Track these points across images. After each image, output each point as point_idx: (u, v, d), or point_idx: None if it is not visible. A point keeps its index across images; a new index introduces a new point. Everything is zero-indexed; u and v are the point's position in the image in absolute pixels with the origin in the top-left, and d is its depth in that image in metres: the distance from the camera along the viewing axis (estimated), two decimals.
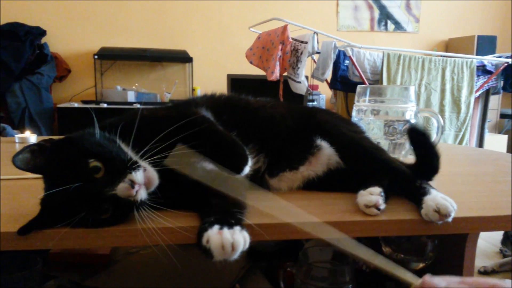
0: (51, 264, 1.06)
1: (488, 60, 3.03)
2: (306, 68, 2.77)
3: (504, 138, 4.20)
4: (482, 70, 2.99)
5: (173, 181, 0.65)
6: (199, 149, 0.66)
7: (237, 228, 0.56)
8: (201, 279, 1.02)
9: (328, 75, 2.87)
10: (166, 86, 4.40)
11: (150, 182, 0.61)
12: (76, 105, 3.79)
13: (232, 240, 0.53)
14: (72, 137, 0.62)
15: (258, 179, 0.79)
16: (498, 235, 2.42)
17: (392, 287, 1.01)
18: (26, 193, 0.78)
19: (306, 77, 2.86)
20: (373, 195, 0.68)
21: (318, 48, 2.78)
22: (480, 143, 3.20)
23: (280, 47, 2.75)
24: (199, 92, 4.35)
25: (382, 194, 0.68)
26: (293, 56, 2.80)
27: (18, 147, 1.37)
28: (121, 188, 0.57)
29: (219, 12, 4.50)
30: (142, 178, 0.60)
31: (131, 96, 4.09)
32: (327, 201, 0.74)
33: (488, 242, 2.49)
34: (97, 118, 0.66)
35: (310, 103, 3.93)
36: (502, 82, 3.09)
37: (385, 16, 4.90)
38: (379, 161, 0.78)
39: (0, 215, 0.63)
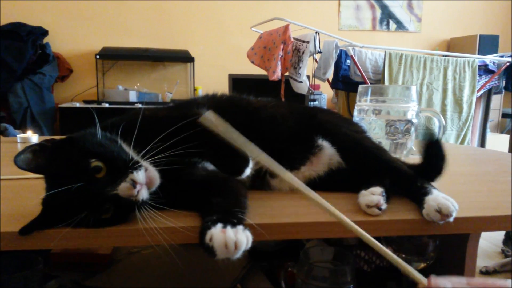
0: (52, 264, 1.06)
1: (490, 59, 3.02)
2: (307, 67, 2.77)
3: (506, 137, 4.19)
4: (484, 69, 2.98)
5: (174, 180, 0.65)
6: (200, 149, 0.66)
7: (240, 228, 0.56)
8: (202, 279, 1.02)
9: (330, 74, 2.87)
10: (167, 86, 4.40)
11: (152, 182, 0.61)
12: (77, 105, 3.80)
13: (235, 239, 0.53)
14: (74, 137, 0.62)
15: (260, 179, 0.79)
16: (500, 235, 2.41)
17: (393, 287, 1.01)
18: (28, 193, 0.78)
19: (308, 76, 2.86)
20: (374, 195, 0.68)
21: (319, 47, 2.78)
22: (482, 143, 3.20)
23: (281, 46, 2.75)
24: (201, 92, 4.35)
25: (384, 194, 0.68)
26: (295, 56, 2.80)
27: (20, 147, 1.37)
28: (123, 188, 0.57)
29: (220, 12, 4.50)
30: (144, 178, 0.60)
31: (132, 96, 4.09)
32: (328, 201, 0.73)
33: (489, 242, 2.49)
34: (98, 118, 0.66)
35: (312, 103, 3.92)
36: (504, 82, 3.09)
37: (387, 15, 4.89)
38: (381, 161, 0.78)
39: (1, 215, 0.63)
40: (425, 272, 0.86)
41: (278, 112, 0.85)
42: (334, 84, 3.05)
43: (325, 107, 4.27)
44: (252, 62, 3.04)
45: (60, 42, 4.17)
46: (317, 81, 3.07)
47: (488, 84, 3.01)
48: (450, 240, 0.83)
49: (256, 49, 3.02)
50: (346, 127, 0.84)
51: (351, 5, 4.80)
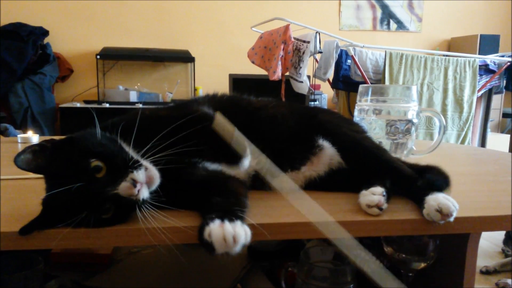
0: (53, 264, 1.06)
1: (491, 59, 3.02)
2: (308, 67, 2.77)
3: (506, 137, 4.19)
4: (485, 69, 2.98)
5: (175, 180, 0.65)
6: (200, 146, 0.66)
7: (238, 222, 0.56)
8: (203, 279, 1.02)
9: (330, 74, 2.87)
10: (168, 86, 4.40)
11: (152, 181, 0.61)
12: (78, 105, 3.80)
13: (233, 232, 0.54)
14: (73, 137, 0.62)
15: (260, 179, 0.79)
16: (500, 235, 2.41)
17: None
18: (28, 193, 0.78)
19: (308, 76, 2.86)
20: (375, 195, 0.68)
21: (320, 47, 2.78)
22: (483, 143, 3.20)
23: (282, 46, 2.75)
24: (201, 92, 4.35)
25: (384, 194, 0.68)
26: (295, 56, 2.80)
27: (20, 147, 1.37)
28: (123, 187, 0.57)
29: (221, 12, 4.50)
30: (144, 177, 0.60)
31: (133, 96, 4.10)
32: (329, 201, 0.74)
33: (490, 242, 2.48)
34: (99, 118, 0.66)
35: (312, 103, 3.92)
36: (504, 82, 3.09)
37: (388, 15, 4.89)
38: (381, 161, 0.78)
39: (1, 215, 0.63)
40: (426, 272, 0.87)
41: (279, 112, 0.85)
42: (334, 84, 3.05)
43: (326, 107, 4.27)
44: (253, 62, 3.04)
45: (60, 42, 4.17)
46: (317, 81, 3.08)
47: (488, 84, 3.01)
48: (450, 240, 0.83)
49: (256, 49, 3.02)
50: (346, 127, 0.84)
51: (352, 5, 4.80)
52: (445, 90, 2.92)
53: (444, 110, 2.93)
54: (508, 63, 2.95)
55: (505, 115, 4.74)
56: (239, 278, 1.01)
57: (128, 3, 4.29)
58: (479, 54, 4.32)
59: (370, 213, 0.66)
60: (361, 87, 1.14)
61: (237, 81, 3.90)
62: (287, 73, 2.89)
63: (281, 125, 0.83)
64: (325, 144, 0.81)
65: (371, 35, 4.86)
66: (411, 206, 0.70)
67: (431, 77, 2.90)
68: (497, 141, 4.02)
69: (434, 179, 0.75)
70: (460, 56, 2.97)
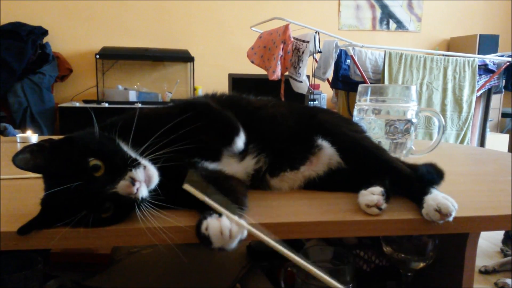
0: (52, 264, 1.06)
1: (490, 59, 3.03)
2: (307, 67, 2.77)
3: (505, 137, 4.19)
4: (484, 69, 2.99)
5: (174, 179, 0.65)
6: (196, 138, 0.67)
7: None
8: (202, 279, 1.02)
9: (330, 74, 2.87)
10: (167, 86, 4.40)
11: (151, 179, 0.61)
12: (77, 104, 3.80)
13: (230, 226, 0.55)
14: (72, 136, 0.62)
15: (259, 179, 0.79)
16: (499, 234, 2.41)
17: (392, 287, 1.01)
18: (28, 192, 0.78)
19: (308, 76, 2.86)
20: (374, 194, 0.68)
21: (319, 47, 2.78)
22: (482, 143, 3.20)
23: (281, 46, 2.75)
24: (201, 92, 4.35)
25: (384, 193, 0.68)
26: (295, 56, 2.80)
27: (19, 147, 1.37)
28: (122, 185, 0.58)
29: (220, 12, 4.50)
30: (143, 175, 0.60)
31: (132, 96, 4.09)
32: (328, 200, 0.74)
33: (489, 241, 2.49)
34: (98, 118, 0.66)
35: (312, 103, 3.92)
36: (504, 81, 3.09)
37: (387, 15, 4.89)
38: (380, 160, 0.78)
39: (1, 215, 0.63)
40: (425, 271, 0.87)
41: (278, 112, 0.85)
42: (334, 84, 3.05)
43: (325, 106, 4.27)
44: (252, 62, 3.04)
45: (60, 42, 4.17)
46: (317, 81, 3.08)
47: (488, 84, 3.01)
48: (449, 239, 0.83)
49: (256, 49, 3.02)
50: (345, 127, 0.84)
51: (351, 4, 4.80)
52: (444, 90, 2.92)
53: (443, 110, 2.94)
54: (507, 63, 2.95)
55: (504, 115, 4.75)
56: (239, 278, 1.01)
57: (127, 2, 4.29)
58: (479, 54, 4.32)
59: (370, 213, 0.66)
60: (360, 87, 1.14)
61: (236, 81, 3.90)
62: (287, 73, 2.89)
63: (280, 125, 0.83)
64: (324, 144, 0.81)
65: (371, 35, 4.86)
66: (410, 206, 0.70)
67: (431, 77, 2.90)
68: (496, 141, 4.02)
69: (428, 171, 0.76)
70: (459, 56, 2.97)
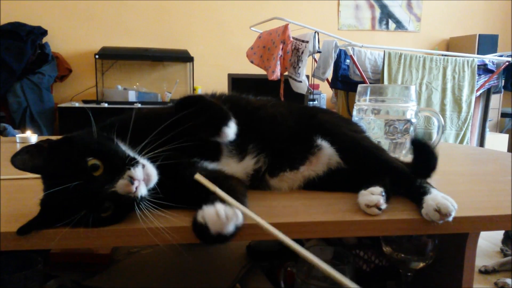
0: (52, 264, 1.06)
1: (489, 59, 3.03)
2: (307, 67, 2.77)
3: (505, 137, 4.19)
4: (483, 69, 2.99)
5: (173, 177, 0.65)
6: (194, 136, 0.67)
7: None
8: (202, 279, 1.02)
9: (329, 74, 2.87)
10: (167, 86, 4.40)
11: (149, 178, 0.62)
12: (77, 104, 3.80)
13: (225, 211, 0.56)
14: (70, 136, 0.62)
15: (259, 179, 0.79)
16: (499, 234, 2.41)
17: (392, 286, 1.01)
18: (27, 193, 0.78)
19: (307, 76, 2.86)
20: (374, 195, 0.68)
21: (319, 47, 2.78)
22: (481, 143, 3.20)
23: (281, 46, 2.75)
24: (200, 92, 4.34)
25: (383, 193, 0.68)
26: (294, 56, 2.80)
27: (19, 147, 1.37)
28: (121, 184, 0.58)
29: (220, 12, 4.50)
30: (141, 174, 0.60)
31: (132, 96, 4.09)
32: (328, 201, 0.74)
33: (488, 241, 2.49)
34: (98, 118, 0.66)
35: (311, 103, 3.92)
36: (503, 81, 3.09)
37: (386, 15, 4.89)
38: (380, 160, 0.78)
39: (1, 215, 0.63)
40: (425, 271, 0.87)
41: (278, 112, 0.85)
42: (333, 84, 3.05)
43: (325, 106, 4.27)
44: (252, 62, 3.04)
45: (59, 42, 4.17)
46: (316, 81, 3.08)
47: (487, 84, 3.01)
48: (449, 239, 0.83)
49: (255, 49, 3.02)
50: (345, 127, 0.84)
51: (351, 4, 4.81)
52: (443, 90, 2.92)
53: (442, 110, 2.94)
54: (507, 63, 2.95)
55: (503, 115, 4.75)
56: (239, 278, 1.01)
57: (127, 2, 4.29)
58: (478, 54, 4.32)
59: (369, 213, 0.66)
60: (360, 87, 1.14)
61: (236, 81, 3.90)
62: (286, 73, 2.89)
63: (280, 125, 0.83)
64: (324, 144, 0.81)
65: (370, 35, 4.86)
66: (410, 206, 0.70)
67: (430, 77, 2.90)
68: (495, 141, 4.02)
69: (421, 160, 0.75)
70: (458, 56, 2.97)
